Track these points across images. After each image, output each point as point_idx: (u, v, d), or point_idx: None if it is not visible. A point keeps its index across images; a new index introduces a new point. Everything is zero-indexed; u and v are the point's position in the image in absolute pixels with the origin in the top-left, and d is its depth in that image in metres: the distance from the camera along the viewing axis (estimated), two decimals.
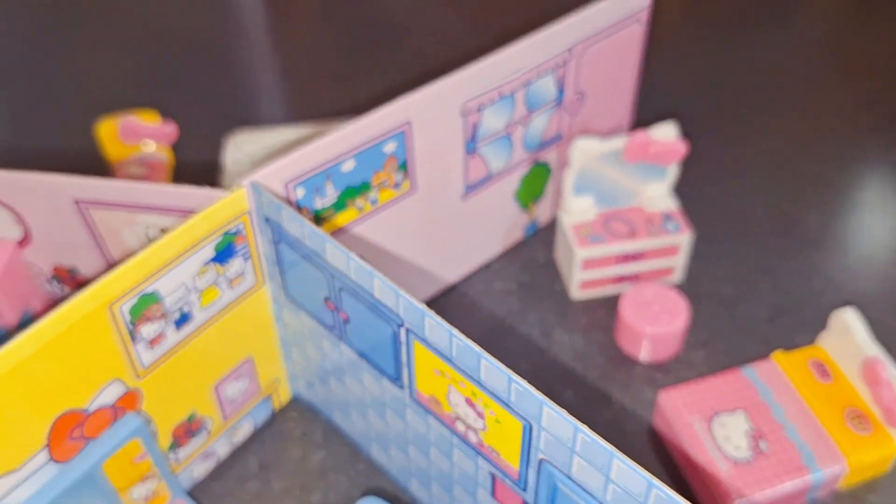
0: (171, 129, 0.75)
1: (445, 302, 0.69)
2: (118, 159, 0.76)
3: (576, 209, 0.67)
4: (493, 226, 0.70)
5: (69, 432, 0.45)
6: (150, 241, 0.53)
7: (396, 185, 0.59)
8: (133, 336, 0.47)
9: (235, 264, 0.51)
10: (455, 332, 0.40)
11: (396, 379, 0.48)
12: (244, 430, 0.60)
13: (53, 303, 0.60)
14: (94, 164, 0.79)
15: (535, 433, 0.40)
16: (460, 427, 0.45)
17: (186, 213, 0.50)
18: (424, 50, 0.97)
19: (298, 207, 0.53)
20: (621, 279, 0.68)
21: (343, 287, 0.47)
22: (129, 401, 0.49)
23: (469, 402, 0.43)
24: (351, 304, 0.47)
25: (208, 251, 0.49)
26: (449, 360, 0.42)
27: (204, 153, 0.81)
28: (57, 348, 0.43)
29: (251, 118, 0.87)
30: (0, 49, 1.02)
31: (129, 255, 0.53)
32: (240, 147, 0.77)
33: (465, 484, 0.49)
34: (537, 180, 0.70)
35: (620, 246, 0.65)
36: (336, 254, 0.46)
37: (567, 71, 0.64)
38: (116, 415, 0.48)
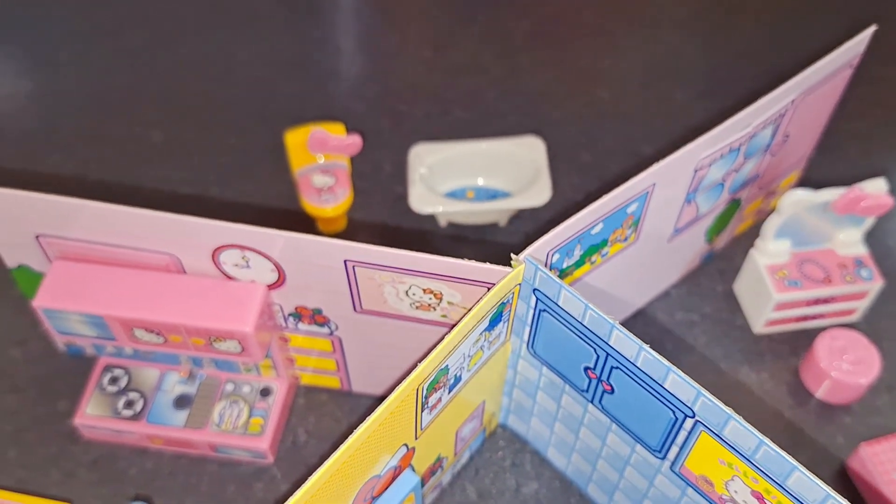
0: (355, 141, 0.76)
1: (632, 331, 0.71)
2: (301, 166, 0.77)
3: (772, 251, 0.69)
4: (681, 259, 0.72)
5: (362, 498, 0.49)
6: (413, 300, 0.55)
7: (625, 239, 0.60)
8: (423, 406, 0.49)
9: (498, 328, 0.53)
10: (767, 440, 0.43)
11: (658, 451, 0.51)
12: (463, 460, 0.63)
13: (285, 338, 0.62)
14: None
15: None
16: None
17: (457, 280, 0.52)
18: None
19: (549, 269, 0.55)
20: (805, 318, 0.70)
21: (618, 367, 0.49)
22: (406, 459, 0.52)
23: (757, 496, 0.46)
24: (623, 381, 0.50)
25: (485, 322, 0.51)
26: (748, 460, 0.45)
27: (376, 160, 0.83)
28: (379, 429, 0.45)
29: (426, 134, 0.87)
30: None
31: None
32: (421, 159, 0.77)
33: None
34: (727, 216, 0.71)
35: (816, 292, 0.67)
36: (624, 341, 0.48)
37: (784, 119, 0.64)
38: (396, 474, 0.51)
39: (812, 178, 0.79)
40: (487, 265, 0.50)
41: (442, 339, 0.47)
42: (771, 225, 0.67)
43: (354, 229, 0.79)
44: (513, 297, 0.52)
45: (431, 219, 0.79)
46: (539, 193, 0.74)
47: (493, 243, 0.78)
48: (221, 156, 0.85)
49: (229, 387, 0.65)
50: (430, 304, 0.55)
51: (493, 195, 0.79)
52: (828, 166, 0.82)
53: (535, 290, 0.52)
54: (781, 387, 0.68)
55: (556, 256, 0.54)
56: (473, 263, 0.50)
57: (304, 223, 0.79)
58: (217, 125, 0.88)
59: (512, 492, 0.63)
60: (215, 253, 0.55)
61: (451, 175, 0.79)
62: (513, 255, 0.51)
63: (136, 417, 0.63)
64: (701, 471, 0.49)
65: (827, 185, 0.66)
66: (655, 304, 0.73)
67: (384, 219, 0.80)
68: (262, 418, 0.63)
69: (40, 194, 0.55)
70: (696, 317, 0.73)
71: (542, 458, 0.64)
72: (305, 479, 0.63)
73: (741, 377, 0.69)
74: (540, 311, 0.53)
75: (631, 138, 0.86)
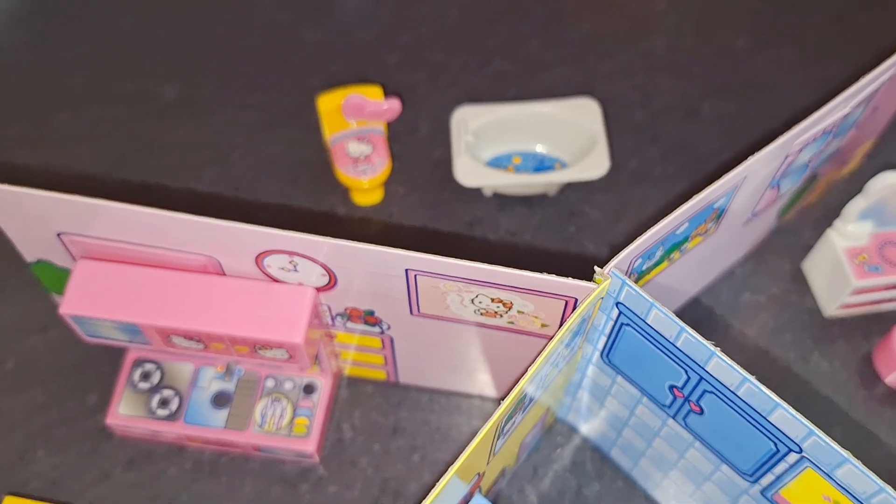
0: (394, 107, 0.69)
1: (694, 315, 0.67)
2: (334, 133, 0.70)
3: (852, 233, 0.63)
4: (750, 239, 0.67)
5: None
6: (479, 307, 0.50)
7: (706, 233, 0.55)
8: (500, 435, 0.45)
9: (576, 342, 0.49)
10: (889, 489, 0.39)
11: (749, 476, 0.48)
12: (520, 460, 0.60)
13: (331, 334, 0.58)
14: None
15: None
16: None
17: (531, 292, 0.47)
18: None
19: (630, 275, 0.50)
20: (881, 301, 0.66)
21: (711, 391, 0.45)
22: (476, 485, 0.48)
23: None
24: (716, 406, 0.46)
25: (566, 338, 0.46)
26: (860, 502, 0.41)
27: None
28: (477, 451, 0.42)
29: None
30: None
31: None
32: (466, 124, 0.71)
33: None
34: (803, 192, 0.66)
35: None
36: (724, 369, 0.43)
37: (878, 92, 0.58)
38: (467, 500, 0.48)
39: (885, 146, 0.74)
40: (570, 280, 0.45)
41: (525, 371, 0.43)
42: (854, 207, 0.62)
43: (391, 200, 0.73)
44: (593, 310, 0.47)
45: (475, 190, 0.73)
46: (596, 165, 0.68)
47: (541, 212, 0.72)
48: (243, 114, 0.78)
49: (270, 383, 0.60)
50: (497, 312, 0.50)
51: (541, 161, 0.73)
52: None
53: (618, 303, 0.47)
54: (854, 375, 0.64)
55: (638, 261, 0.49)
56: (554, 278, 0.45)
57: (339, 194, 0.73)
58: (235, 80, 0.80)
59: (573, 493, 0.60)
60: (259, 257, 0.50)
61: (497, 140, 0.72)
62: (597, 269, 0.46)
63: (172, 417, 0.59)
64: (799, 502, 0.45)
65: None
66: (719, 284, 0.68)
67: (422, 188, 0.74)
68: (307, 418, 0.59)
69: (60, 195, 0.48)
70: (763, 298, 0.68)
71: (603, 457, 0.61)
72: (353, 479, 0.60)
73: (812, 365, 0.65)
74: (622, 324, 0.48)
75: (688, 94, 0.79)
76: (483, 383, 0.62)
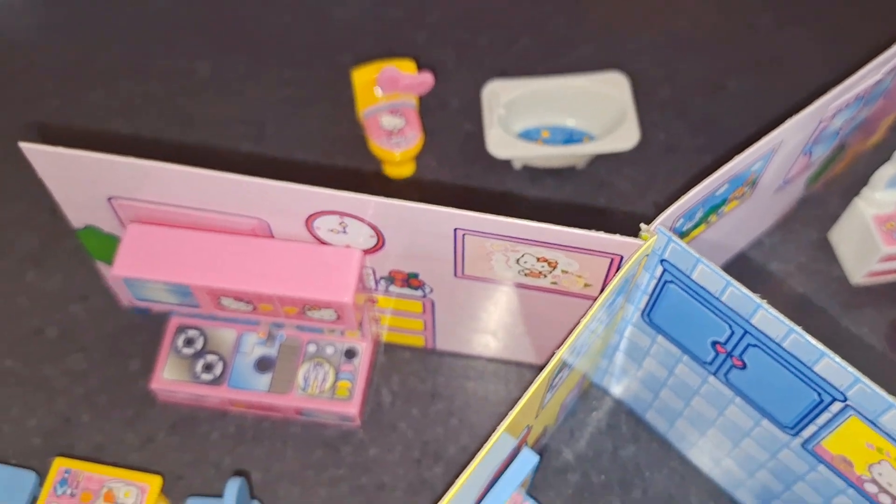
0: (427, 80, 0.70)
1: None
2: (367, 106, 0.71)
3: (880, 201, 0.65)
4: (780, 207, 0.68)
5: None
6: (523, 267, 0.51)
7: (742, 197, 0.56)
8: (550, 386, 0.46)
9: (619, 301, 0.50)
10: None
11: (790, 429, 0.49)
12: (559, 421, 0.61)
13: (373, 299, 0.59)
14: None
15: None
16: (870, 489, 0.47)
17: (577, 250, 0.48)
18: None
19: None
20: None
21: (755, 345, 0.46)
22: (524, 439, 0.49)
23: None
24: (759, 359, 0.47)
25: (612, 297, 0.47)
26: None
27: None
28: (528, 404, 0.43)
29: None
30: None
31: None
32: (497, 97, 0.72)
33: None
34: (831, 162, 0.67)
35: None
36: (770, 321, 0.44)
37: None
38: (515, 453, 0.49)
39: None
40: (617, 237, 0.46)
41: (577, 324, 0.44)
42: (883, 175, 0.63)
43: (423, 173, 0.74)
44: (637, 268, 0.49)
45: (504, 164, 0.74)
46: (627, 137, 0.69)
47: (571, 184, 0.73)
48: (275, 91, 0.79)
49: (311, 348, 0.62)
50: (541, 272, 0.52)
51: (570, 135, 0.74)
52: None
53: (662, 260, 0.48)
54: (881, 341, 0.65)
55: (680, 221, 0.50)
56: (602, 235, 0.46)
57: (372, 168, 0.74)
58: (267, 57, 0.81)
59: (609, 454, 0.61)
60: (310, 219, 0.51)
61: (527, 113, 0.73)
62: (643, 226, 0.47)
63: (216, 382, 0.60)
64: (841, 451, 0.47)
65: None
66: (749, 253, 0.70)
67: (453, 161, 0.75)
68: (349, 381, 0.60)
69: (116, 156, 0.50)
70: (791, 267, 0.69)
71: (638, 420, 0.62)
72: (393, 442, 0.61)
73: (840, 332, 0.66)
74: (665, 282, 0.49)
75: (713, 70, 0.80)
76: (520, 349, 0.63)
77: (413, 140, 0.70)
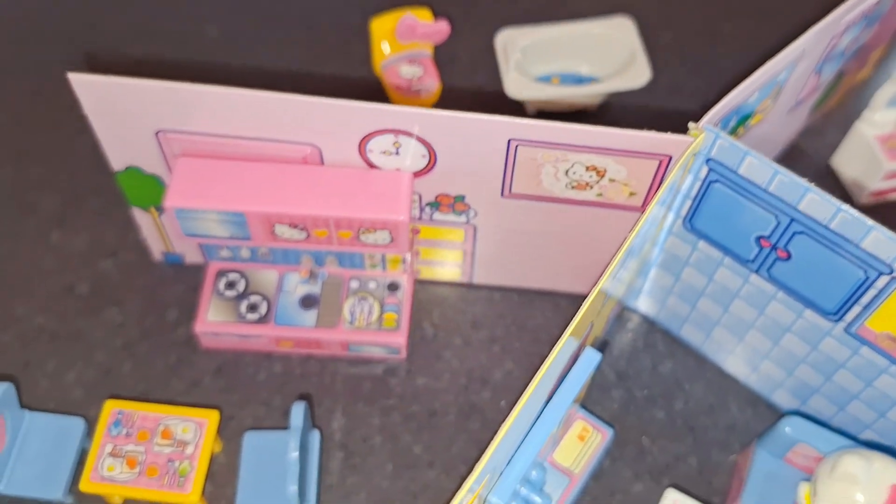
0: (443, 28, 0.72)
1: None
2: (384, 58, 0.73)
3: (880, 121, 0.69)
4: (787, 134, 0.71)
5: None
6: (571, 179, 0.53)
7: (765, 110, 0.59)
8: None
9: (659, 214, 0.52)
10: None
11: (833, 314, 0.52)
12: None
13: (416, 229, 0.60)
14: None
15: None
16: None
17: (627, 154, 0.50)
18: None
19: None
20: None
21: (803, 231, 0.49)
22: (587, 338, 0.51)
23: None
24: (805, 245, 0.49)
25: (665, 195, 0.50)
26: None
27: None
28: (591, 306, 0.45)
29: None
30: None
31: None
32: (513, 43, 0.74)
33: (876, 404, 0.54)
34: (831, 89, 0.71)
35: None
36: (818, 203, 0.47)
37: None
38: (578, 352, 0.50)
39: (893, 55, 0.79)
40: (668, 135, 0.49)
41: (639, 219, 0.46)
42: (883, 95, 0.67)
43: None
44: (682, 173, 0.51)
45: (517, 110, 0.76)
46: (638, 75, 0.72)
47: None
48: (286, 52, 0.80)
49: (354, 284, 0.62)
50: (588, 183, 0.54)
51: (578, 80, 0.77)
52: None
53: (708, 160, 0.50)
54: None
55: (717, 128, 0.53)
56: (653, 134, 0.49)
57: None
58: (274, 18, 0.82)
59: (649, 371, 0.63)
60: (363, 141, 0.52)
61: (540, 60, 0.76)
62: (691, 124, 0.49)
63: (262, 320, 0.61)
64: (885, 328, 0.50)
65: None
66: None
67: (467, 110, 0.77)
68: (395, 313, 0.61)
69: (170, 83, 0.50)
70: None
71: (673, 338, 0.65)
72: (440, 371, 0.62)
73: None
74: (710, 182, 0.52)
75: (710, 16, 0.84)
76: (558, 277, 0.65)
77: (432, 88, 0.72)
